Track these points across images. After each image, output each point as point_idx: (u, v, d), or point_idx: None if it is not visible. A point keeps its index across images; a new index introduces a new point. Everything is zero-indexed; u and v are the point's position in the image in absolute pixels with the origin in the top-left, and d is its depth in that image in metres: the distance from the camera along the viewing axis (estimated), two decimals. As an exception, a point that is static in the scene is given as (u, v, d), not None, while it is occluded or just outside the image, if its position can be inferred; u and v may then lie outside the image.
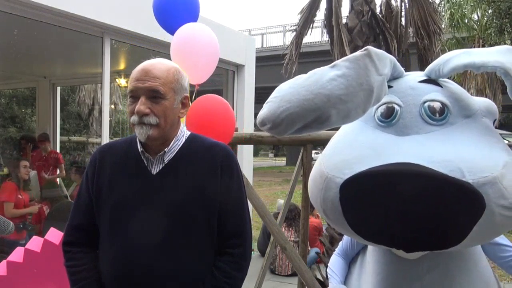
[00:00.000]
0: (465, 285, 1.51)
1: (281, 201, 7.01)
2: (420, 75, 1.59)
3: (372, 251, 1.68)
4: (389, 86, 1.52)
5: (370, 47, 1.32)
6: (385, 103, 1.49)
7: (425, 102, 1.45)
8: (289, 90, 1.33)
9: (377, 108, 1.51)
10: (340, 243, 1.96)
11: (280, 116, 1.31)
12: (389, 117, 1.47)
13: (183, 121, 1.83)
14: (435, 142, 1.35)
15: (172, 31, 2.71)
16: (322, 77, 1.30)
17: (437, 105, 1.44)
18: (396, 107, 1.47)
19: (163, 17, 2.69)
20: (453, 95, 1.49)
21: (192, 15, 2.70)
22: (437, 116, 1.43)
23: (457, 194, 1.20)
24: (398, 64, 1.55)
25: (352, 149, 1.42)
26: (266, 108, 1.36)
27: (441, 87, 1.51)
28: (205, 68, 2.70)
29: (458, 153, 1.28)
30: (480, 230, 1.25)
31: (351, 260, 1.94)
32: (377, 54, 1.32)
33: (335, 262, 1.94)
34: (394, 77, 1.57)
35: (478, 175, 1.22)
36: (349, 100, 1.28)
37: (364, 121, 1.53)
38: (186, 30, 2.63)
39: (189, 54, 2.57)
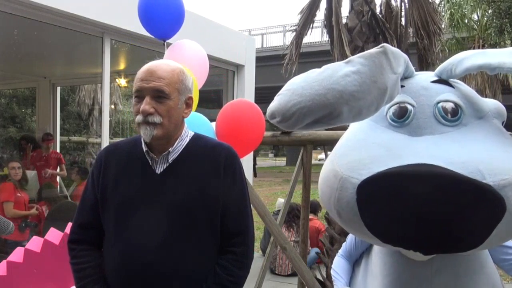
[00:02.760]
0: (472, 287, 1.50)
1: (281, 200, 7.01)
2: (431, 75, 1.57)
3: (378, 252, 1.66)
4: (401, 86, 1.49)
5: (386, 45, 1.29)
6: (397, 103, 1.47)
7: (438, 102, 1.44)
8: (301, 84, 1.30)
9: (389, 108, 1.49)
10: (344, 244, 1.95)
11: (290, 110, 1.29)
12: (402, 117, 1.45)
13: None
14: (451, 143, 1.33)
15: (160, 36, 2.75)
16: (336, 72, 1.28)
17: (450, 105, 1.43)
18: (409, 107, 1.45)
19: (150, 24, 2.72)
20: (465, 95, 1.48)
21: (177, 17, 2.73)
22: (451, 117, 1.41)
23: (478, 197, 1.18)
24: (410, 64, 1.54)
25: (366, 148, 1.39)
26: (277, 101, 1.34)
27: (453, 87, 1.50)
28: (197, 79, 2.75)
29: (477, 154, 1.27)
30: (499, 232, 1.24)
31: (354, 262, 1.92)
32: (392, 52, 1.30)
33: (338, 264, 1.92)
34: (405, 77, 1.55)
35: (498, 177, 1.20)
36: (362, 97, 1.26)
37: (375, 121, 1.51)
38: (175, 48, 2.70)
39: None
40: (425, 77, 1.56)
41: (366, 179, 1.28)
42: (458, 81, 1.58)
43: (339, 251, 1.97)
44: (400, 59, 1.36)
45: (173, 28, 2.72)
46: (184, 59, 2.57)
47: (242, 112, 2.49)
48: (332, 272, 1.94)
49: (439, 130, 1.40)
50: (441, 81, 1.53)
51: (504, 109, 1.54)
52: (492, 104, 1.53)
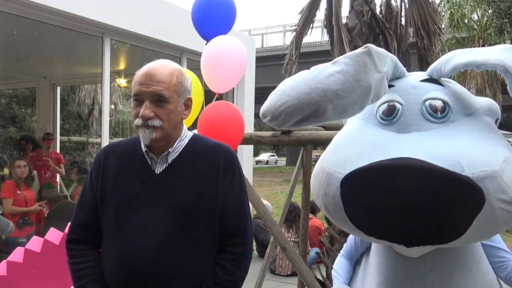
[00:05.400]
0: (466, 285, 1.52)
1: (264, 202, 7.01)
2: (422, 75, 1.60)
3: (374, 251, 1.68)
4: (391, 86, 1.54)
5: (370, 45, 1.34)
6: (386, 102, 1.51)
7: (426, 100, 1.47)
8: (291, 84, 1.39)
9: (379, 106, 1.53)
10: (345, 244, 1.97)
11: (279, 109, 1.38)
12: (390, 115, 1.49)
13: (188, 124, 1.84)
14: (435, 138, 1.36)
15: (207, 38, 2.79)
16: (322, 72, 1.34)
17: (438, 103, 1.46)
18: (398, 105, 1.49)
19: (201, 26, 2.77)
20: (454, 93, 1.51)
21: (227, 23, 2.78)
22: (438, 114, 1.44)
23: (456, 188, 1.21)
24: (400, 64, 1.56)
25: (354, 146, 1.44)
26: (268, 101, 1.43)
27: (443, 86, 1.53)
28: (230, 81, 2.81)
29: (458, 148, 1.29)
30: (480, 224, 1.26)
31: (355, 262, 1.94)
32: (377, 52, 1.34)
33: (339, 264, 1.95)
34: (397, 77, 1.58)
35: (478, 169, 1.23)
36: (345, 95, 1.31)
37: (366, 120, 1.55)
38: (216, 43, 2.71)
39: (217, 67, 2.68)
40: (415, 77, 1.59)
41: (348, 174, 1.33)
42: (450, 80, 1.60)
43: (341, 251, 1.99)
44: (386, 58, 1.40)
45: (222, 31, 2.78)
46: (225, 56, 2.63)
47: (220, 112, 2.57)
48: (332, 271, 1.96)
49: (426, 127, 1.43)
50: (431, 80, 1.56)
51: (497, 106, 1.56)
52: (484, 102, 1.55)
